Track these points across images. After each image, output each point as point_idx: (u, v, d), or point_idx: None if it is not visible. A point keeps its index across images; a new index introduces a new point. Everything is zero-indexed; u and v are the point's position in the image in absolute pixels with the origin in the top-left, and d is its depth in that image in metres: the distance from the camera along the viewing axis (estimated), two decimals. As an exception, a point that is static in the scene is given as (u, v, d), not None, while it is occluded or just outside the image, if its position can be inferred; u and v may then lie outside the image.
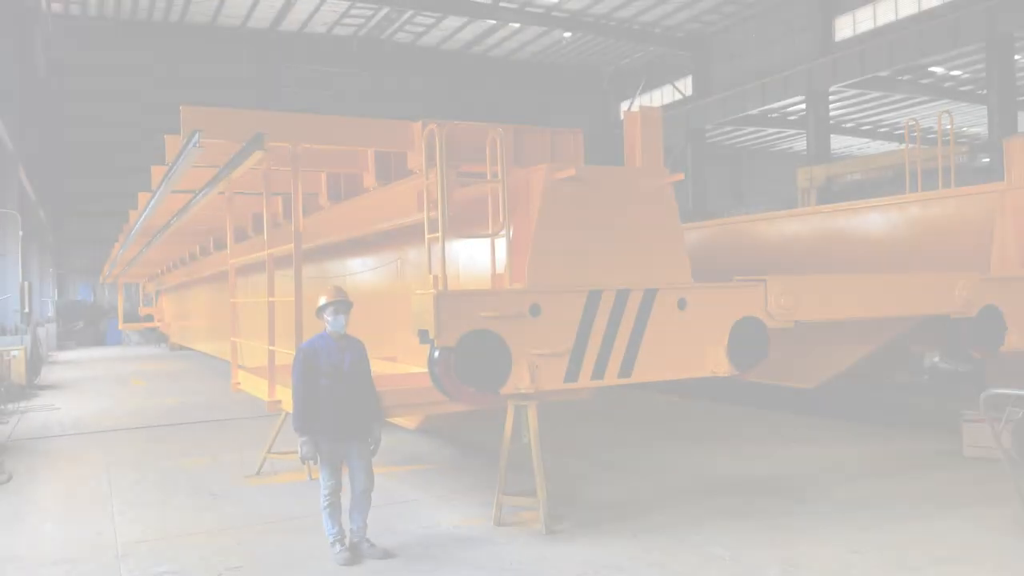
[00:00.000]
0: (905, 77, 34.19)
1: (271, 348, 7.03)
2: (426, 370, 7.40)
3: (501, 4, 34.83)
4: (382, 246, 9.44)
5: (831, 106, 34.25)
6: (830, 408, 11.41)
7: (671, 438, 9.99)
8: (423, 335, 5.97)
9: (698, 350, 6.78)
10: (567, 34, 37.77)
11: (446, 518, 6.77)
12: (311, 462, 5.67)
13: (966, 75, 36.07)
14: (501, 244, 6.32)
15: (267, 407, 6.97)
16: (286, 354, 7.09)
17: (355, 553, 5.77)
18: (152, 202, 8.55)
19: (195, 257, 19.70)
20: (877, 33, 30.98)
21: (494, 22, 36.41)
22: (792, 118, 38.75)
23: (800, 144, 40.20)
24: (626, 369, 6.49)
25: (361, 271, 10.33)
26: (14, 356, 17.95)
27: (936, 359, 13.51)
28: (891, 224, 10.27)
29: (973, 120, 41.79)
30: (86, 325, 38.83)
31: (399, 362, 8.40)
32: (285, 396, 6.83)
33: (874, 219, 10.49)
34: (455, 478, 8.25)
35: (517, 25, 37.01)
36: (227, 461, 9.40)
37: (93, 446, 10.81)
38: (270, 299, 6.98)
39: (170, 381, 19.58)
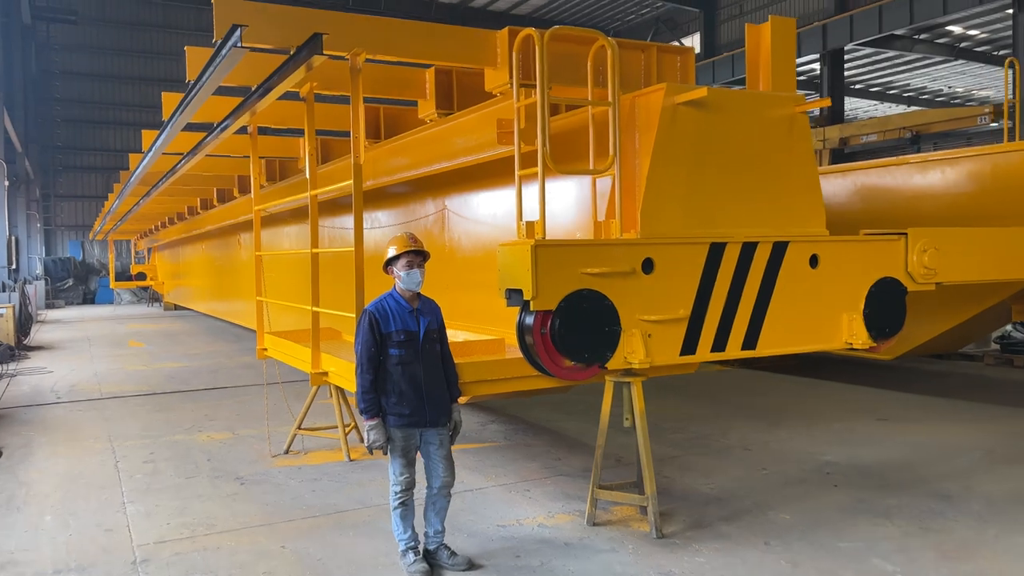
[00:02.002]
0: (923, 36, 33.01)
1: (315, 309, 5.84)
2: (492, 336, 6.34)
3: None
4: (416, 194, 8.24)
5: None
6: (899, 381, 10.35)
7: (746, 415, 8.91)
8: (513, 296, 4.81)
9: (831, 317, 5.65)
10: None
11: (526, 514, 5.67)
12: (380, 451, 4.53)
13: (983, 35, 34.90)
14: (601, 186, 5.16)
15: (310, 380, 5.80)
16: (332, 318, 5.93)
17: (432, 563, 4.67)
18: (164, 133, 7.27)
19: (195, 212, 18.40)
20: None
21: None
22: (802, 78, 37.44)
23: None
24: (750, 339, 5.36)
25: (390, 224, 9.13)
26: (1, 315, 16.70)
27: (1010, 327, 12.48)
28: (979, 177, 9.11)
29: (986, 83, 40.67)
30: (75, 283, 37.44)
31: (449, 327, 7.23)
32: (333, 366, 5.66)
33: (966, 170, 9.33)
34: (517, 461, 7.14)
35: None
36: (248, 436, 8.27)
37: (93, 416, 9.66)
38: (314, 251, 5.79)
39: (170, 343, 18.37)
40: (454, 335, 6.84)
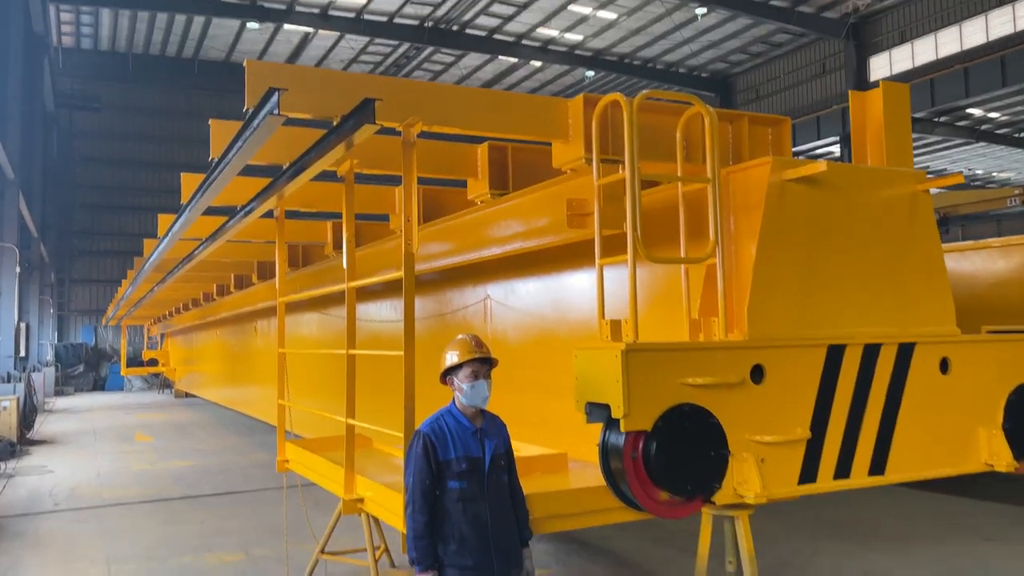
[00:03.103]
0: (943, 118, 32.83)
1: (350, 422, 4.95)
2: (552, 451, 5.41)
3: (523, 42, 33.52)
4: (453, 282, 7.43)
5: (868, 148, 32.82)
6: (1000, 490, 9.24)
7: (831, 533, 7.83)
8: (596, 412, 3.94)
9: (966, 432, 4.71)
10: (589, 73, 36.37)
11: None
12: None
13: (1004, 117, 34.71)
14: (694, 275, 4.33)
15: (342, 507, 4.86)
16: (372, 432, 5.05)
17: None
18: (183, 216, 6.53)
19: (210, 298, 17.70)
20: (915, 73, 29.69)
21: (515, 60, 35.06)
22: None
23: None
24: (878, 463, 4.42)
25: (424, 316, 8.30)
26: (4, 407, 15.84)
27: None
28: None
29: (1007, 164, 40.34)
30: (86, 370, 36.70)
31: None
32: (371, 491, 4.73)
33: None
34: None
35: (538, 63, 35.70)
36: (263, 559, 7.26)
37: (92, 530, 8.67)
38: (350, 351, 4.95)
39: (179, 436, 17.42)
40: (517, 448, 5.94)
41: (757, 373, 4.13)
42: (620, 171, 4.06)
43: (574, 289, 5.70)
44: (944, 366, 4.67)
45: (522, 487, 3.95)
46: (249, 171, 6.33)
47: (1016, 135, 37.36)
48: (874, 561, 6.84)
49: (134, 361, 34.34)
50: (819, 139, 32.36)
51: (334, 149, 4.08)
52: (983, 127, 35.74)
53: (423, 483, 3.65)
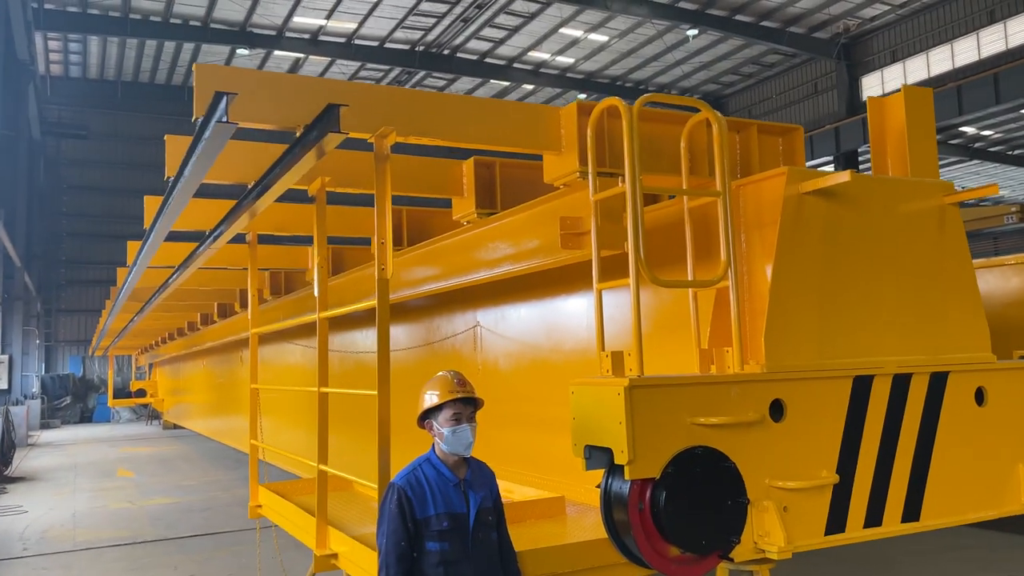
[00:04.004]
0: (937, 136, 32.70)
1: (322, 468, 4.46)
2: (548, 494, 4.93)
3: (515, 65, 33.43)
4: (440, 308, 6.97)
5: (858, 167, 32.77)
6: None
7: (831, 571, 7.33)
8: (596, 456, 3.46)
9: (1004, 469, 4.25)
10: (581, 95, 36.32)
11: None
12: None
13: (997, 135, 34.65)
14: (703, 301, 3.88)
15: (314, 566, 4.34)
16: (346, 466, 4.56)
17: None
18: (148, 242, 6.06)
19: (195, 327, 17.18)
20: (906, 92, 29.57)
21: (507, 83, 34.96)
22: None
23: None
24: (912, 507, 3.95)
25: (409, 346, 7.82)
26: (-22, 444, 15.27)
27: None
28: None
29: (1002, 182, 40.22)
30: (74, 401, 36.00)
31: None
32: (345, 546, 4.23)
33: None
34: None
35: (531, 86, 35.63)
36: (237, 610, 6.73)
37: (56, 578, 8.13)
38: (322, 390, 4.47)
39: (163, 471, 16.84)
40: (508, 493, 5.45)
41: (777, 409, 3.66)
42: (620, 184, 3.62)
43: (570, 315, 5.25)
44: (980, 396, 4.21)
45: (512, 541, 3.47)
46: (221, 194, 5.91)
47: (1010, 152, 37.27)
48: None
49: (122, 392, 33.63)
50: (813, 158, 32.18)
51: (300, 162, 3.63)
52: (976, 144, 35.69)
53: (398, 546, 3.17)
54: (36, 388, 32.50)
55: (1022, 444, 4.29)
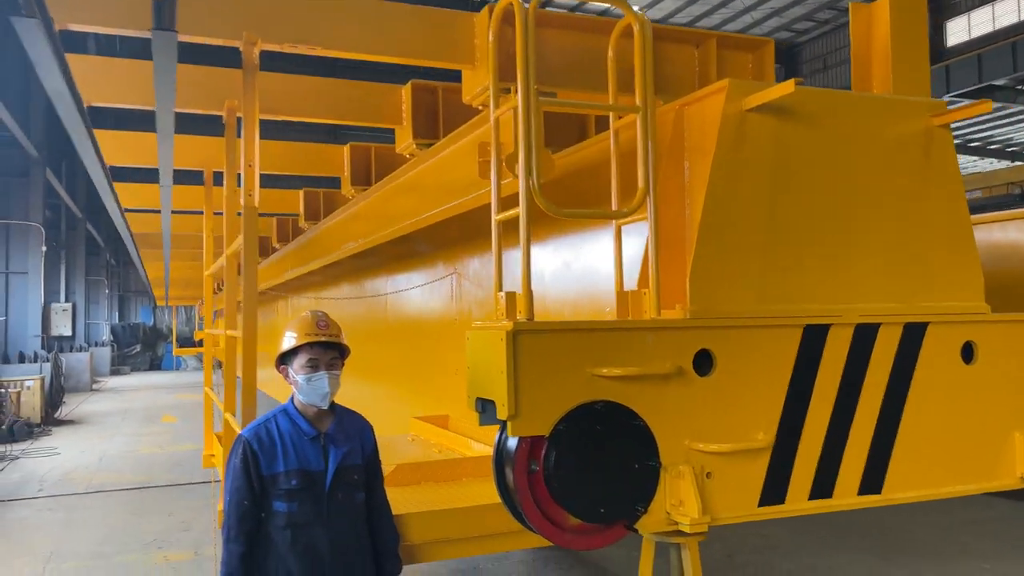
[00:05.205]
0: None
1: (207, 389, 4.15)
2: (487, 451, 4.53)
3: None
4: (430, 255, 6.58)
5: (936, 120, 30.68)
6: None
7: (854, 542, 6.76)
8: (489, 411, 3.04)
9: (996, 439, 3.64)
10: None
11: None
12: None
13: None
14: (634, 236, 3.38)
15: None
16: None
17: None
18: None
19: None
20: (997, 36, 27.57)
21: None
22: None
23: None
24: (872, 478, 3.40)
25: (394, 290, 7.49)
26: (28, 387, 15.75)
27: None
28: None
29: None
30: (143, 349, 37.29)
31: (451, 429, 5.47)
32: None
33: None
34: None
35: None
36: (210, 558, 6.60)
37: (57, 520, 8.19)
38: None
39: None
40: (440, 440, 5.11)
41: (704, 362, 3.15)
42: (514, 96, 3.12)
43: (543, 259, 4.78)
44: (969, 353, 3.60)
45: (390, 504, 3.09)
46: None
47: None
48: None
49: (188, 341, 34.62)
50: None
51: (163, 74, 3.24)
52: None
53: (240, 505, 2.83)
54: (106, 336, 33.73)
55: (1020, 410, 3.68)
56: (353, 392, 7.42)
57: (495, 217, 3.22)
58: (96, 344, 29.59)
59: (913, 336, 3.46)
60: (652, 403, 3.03)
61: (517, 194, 3.01)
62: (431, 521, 3.25)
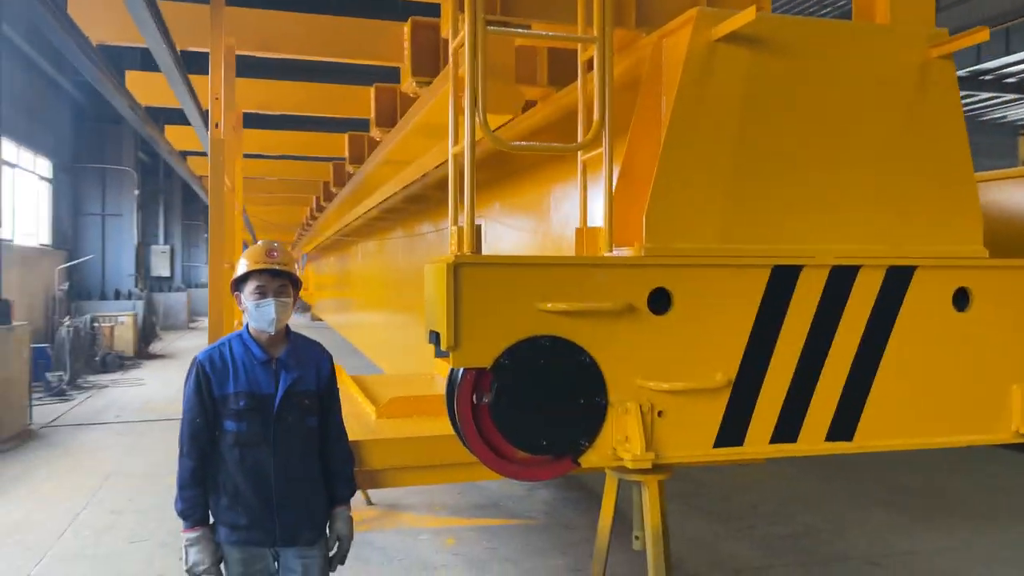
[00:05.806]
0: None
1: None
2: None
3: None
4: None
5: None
6: None
7: (884, 501, 6.56)
8: (437, 343, 3.08)
9: (991, 390, 3.45)
10: None
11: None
12: (205, 576, 2.92)
13: None
14: (596, 172, 3.32)
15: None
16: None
17: None
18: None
19: (309, 220, 17.81)
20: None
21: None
22: (1010, 80, 32.17)
23: (1017, 112, 33.40)
24: (843, 425, 3.29)
25: (432, 230, 7.59)
26: (122, 323, 16.78)
27: None
28: None
29: None
30: (241, 291, 38.91)
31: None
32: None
33: None
34: (543, 554, 5.33)
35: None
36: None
37: (125, 443, 8.77)
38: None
39: (282, 357, 17.85)
40: (408, 386, 5.20)
41: (661, 301, 3.09)
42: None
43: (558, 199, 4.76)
44: (962, 300, 3.40)
45: (347, 432, 3.20)
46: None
47: None
48: (923, 541, 5.56)
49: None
50: (1007, 54, 28.00)
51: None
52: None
53: (193, 423, 2.99)
54: (205, 278, 35.40)
55: (1016, 360, 3.47)
56: (410, 332, 7.65)
57: (451, 149, 3.22)
58: (194, 286, 31.08)
59: (897, 280, 3.30)
60: (601, 340, 3.00)
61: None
62: (390, 448, 3.34)
